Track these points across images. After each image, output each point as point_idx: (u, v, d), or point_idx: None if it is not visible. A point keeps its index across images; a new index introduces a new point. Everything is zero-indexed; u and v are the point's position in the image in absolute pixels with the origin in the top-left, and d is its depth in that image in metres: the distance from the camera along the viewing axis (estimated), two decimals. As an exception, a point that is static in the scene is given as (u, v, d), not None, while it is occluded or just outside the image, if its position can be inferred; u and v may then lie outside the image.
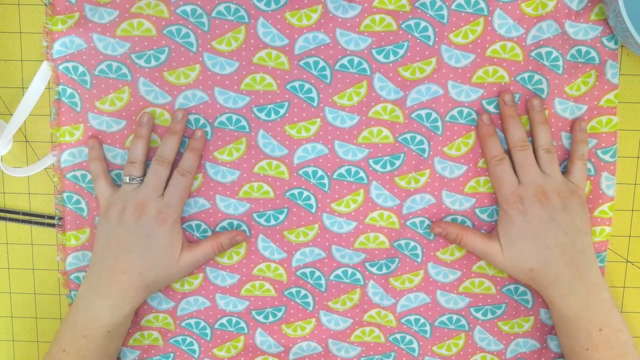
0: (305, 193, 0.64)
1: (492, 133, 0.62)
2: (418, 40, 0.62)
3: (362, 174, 0.64)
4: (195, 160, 0.63)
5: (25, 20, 0.64)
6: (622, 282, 0.66)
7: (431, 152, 0.63)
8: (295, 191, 0.65)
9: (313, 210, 0.65)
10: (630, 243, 0.66)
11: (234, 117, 0.64)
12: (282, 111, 0.64)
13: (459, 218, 0.64)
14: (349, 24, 0.62)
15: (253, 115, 0.63)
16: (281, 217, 0.65)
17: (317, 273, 0.65)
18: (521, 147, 0.61)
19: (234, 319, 0.67)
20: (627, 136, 0.65)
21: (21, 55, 0.65)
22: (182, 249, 0.62)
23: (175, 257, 0.62)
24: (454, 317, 0.66)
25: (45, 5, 0.63)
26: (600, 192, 0.64)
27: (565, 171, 0.63)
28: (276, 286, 0.66)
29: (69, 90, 0.63)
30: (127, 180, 0.62)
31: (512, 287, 0.65)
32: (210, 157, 0.64)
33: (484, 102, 0.63)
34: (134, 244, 0.60)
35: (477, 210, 0.64)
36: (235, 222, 0.65)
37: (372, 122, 0.63)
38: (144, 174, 0.63)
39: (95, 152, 0.63)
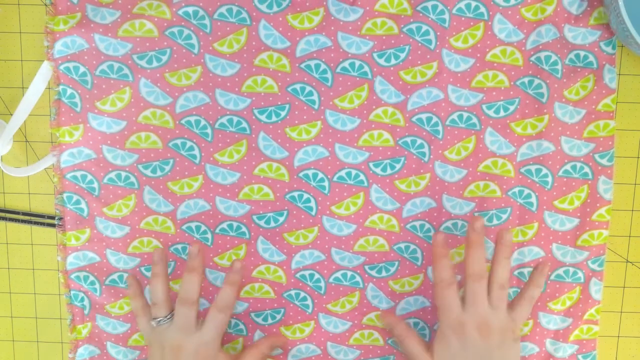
0: (305, 195, 0.65)
1: (445, 255, 0.60)
2: (419, 44, 0.62)
3: (362, 177, 0.64)
4: (234, 295, 0.62)
5: (25, 20, 0.64)
6: (622, 282, 0.67)
7: (431, 156, 0.64)
8: (295, 193, 0.65)
9: (313, 213, 0.65)
10: (630, 243, 0.66)
11: (235, 119, 0.64)
12: (282, 113, 0.64)
13: (459, 222, 0.64)
14: (350, 27, 0.62)
15: (254, 117, 0.64)
16: (281, 219, 0.65)
17: (317, 275, 0.66)
18: (478, 278, 0.59)
19: (233, 321, 0.67)
20: (627, 136, 0.65)
21: (21, 55, 0.65)
22: None
23: None
24: (453, 320, 0.67)
25: (47, 5, 0.63)
26: (598, 195, 0.64)
27: (509, 302, 0.62)
28: (275, 288, 0.66)
29: (69, 91, 0.63)
30: (155, 325, 0.61)
31: (510, 291, 0.65)
32: (211, 158, 0.64)
33: (484, 106, 0.63)
34: None
35: (476, 215, 0.64)
36: (235, 224, 0.65)
37: (373, 125, 0.64)
38: (171, 310, 0.62)
39: (134, 289, 0.64)
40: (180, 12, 0.62)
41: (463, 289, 0.60)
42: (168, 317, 0.61)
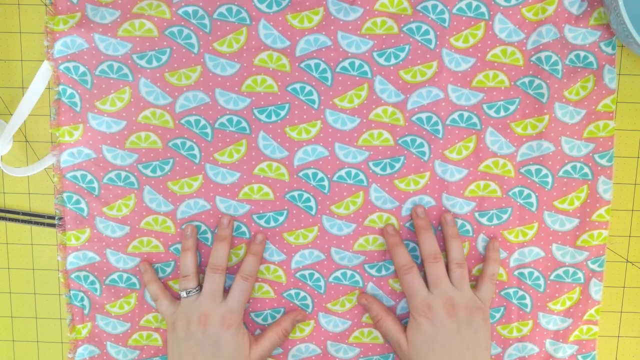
0: (305, 195, 0.65)
1: (398, 243, 0.64)
2: (419, 44, 0.62)
3: (361, 176, 0.64)
4: (257, 264, 0.64)
5: (25, 20, 0.64)
6: (622, 282, 0.67)
7: (432, 155, 0.64)
8: (295, 193, 0.65)
9: (313, 212, 0.65)
10: (630, 243, 0.66)
11: (235, 118, 0.64)
12: (282, 113, 0.64)
13: (459, 222, 0.64)
14: (350, 27, 0.62)
15: (254, 117, 0.64)
16: (281, 219, 0.65)
17: (317, 275, 0.66)
18: (433, 259, 0.62)
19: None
20: (627, 136, 0.65)
21: (21, 55, 0.65)
22: (250, 345, 0.63)
23: (245, 356, 0.62)
24: (453, 320, 0.67)
25: (46, 5, 0.63)
26: (598, 196, 0.64)
27: (474, 286, 0.64)
28: (275, 288, 0.66)
29: (69, 90, 0.63)
30: (185, 295, 0.63)
31: (511, 291, 0.66)
32: (211, 158, 0.64)
33: (484, 106, 0.63)
34: (205, 354, 0.61)
35: (476, 214, 0.64)
36: (235, 224, 0.65)
37: (373, 125, 0.64)
38: (199, 283, 0.64)
39: (150, 275, 0.65)
40: (180, 12, 0.62)
41: (424, 273, 0.63)
42: (197, 288, 0.63)
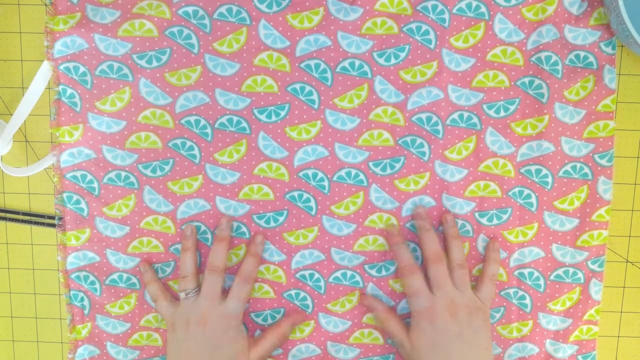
0: (305, 195, 0.65)
1: (400, 241, 0.64)
2: (419, 44, 0.62)
3: (362, 176, 0.64)
4: (256, 265, 0.64)
5: (25, 20, 0.64)
6: (622, 282, 0.67)
7: (432, 155, 0.64)
8: (295, 193, 0.65)
9: (313, 213, 0.65)
10: (630, 243, 0.66)
11: (235, 118, 0.64)
12: (282, 113, 0.64)
13: (459, 222, 0.64)
14: (350, 27, 0.62)
15: (254, 117, 0.64)
16: (281, 219, 0.65)
17: (317, 275, 0.66)
18: (435, 260, 0.62)
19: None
20: (627, 136, 0.65)
21: (21, 55, 0.65)
22: (249, 347, 0.63)
23: (245, 357, 0.62)
24: (453, 320, 0.67)
25: (47, 5, 0.63)
26: (598, 196, 0.64)
27: (474, 286, 0.64)
28: (275, 288, 0.66)
29: (69, 91, 0.63)
30: (184, 296, 0.63)
31: (511, 291, 0.66)
32: (211, 158, 0.64)
33: (484, 106, 0.63)
34: (204, 355, 0.61)
35: (476, 214, 0.64)
36: (235, 224, 0.65)
37: (373, 125, 0.64)
38: (199, 284, 0.64)
39: (150, 275, 0.65)
40: (180, 12, 0.62)
41: (427, 272, 0.63)
42: (196, 289, 0.63)
